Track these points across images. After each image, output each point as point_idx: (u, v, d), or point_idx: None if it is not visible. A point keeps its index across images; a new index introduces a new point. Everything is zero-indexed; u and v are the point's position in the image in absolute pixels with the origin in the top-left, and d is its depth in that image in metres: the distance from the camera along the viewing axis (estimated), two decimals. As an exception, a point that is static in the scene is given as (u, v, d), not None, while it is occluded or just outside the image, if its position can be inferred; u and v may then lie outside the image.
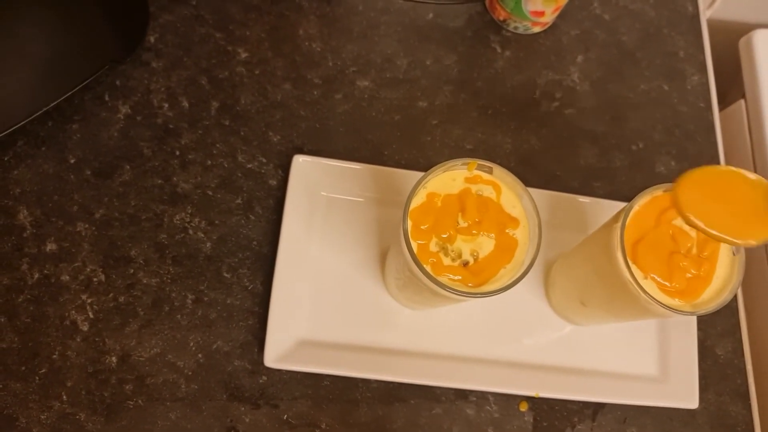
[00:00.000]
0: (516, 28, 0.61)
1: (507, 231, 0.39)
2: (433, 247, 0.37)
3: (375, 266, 0.52)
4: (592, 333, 0.53)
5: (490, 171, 0.39)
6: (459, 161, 0.39)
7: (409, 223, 0.37)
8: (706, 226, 0.35)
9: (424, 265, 0.36)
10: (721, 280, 0.41)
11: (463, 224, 0.38)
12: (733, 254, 0.41)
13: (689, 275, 0.40)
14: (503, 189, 0.39)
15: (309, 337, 0.49)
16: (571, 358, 0.52)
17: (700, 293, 0.40)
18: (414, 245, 0.37)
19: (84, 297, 0.48)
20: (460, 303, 0.48)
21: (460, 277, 0.37)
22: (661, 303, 0.39)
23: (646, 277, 0.40)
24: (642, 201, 0.41)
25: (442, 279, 0.37)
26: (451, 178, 0.39)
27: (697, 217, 0.35)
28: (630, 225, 0.41)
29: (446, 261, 0.38)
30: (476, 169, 0.39)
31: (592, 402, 0.51)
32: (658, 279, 0.40)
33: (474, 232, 0.38)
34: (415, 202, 0.38)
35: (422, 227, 0.37)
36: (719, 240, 0.35)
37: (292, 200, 0.51)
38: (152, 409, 0.47)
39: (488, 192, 0.39)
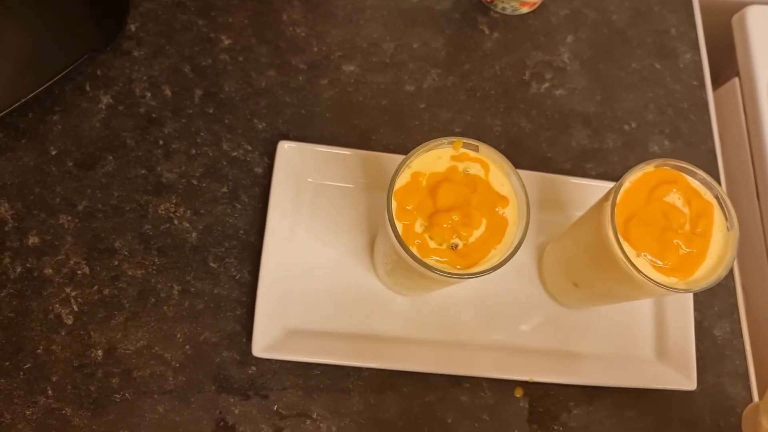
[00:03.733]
0: (504, 8, 0.60)
1: (497, 210, 0.38)
2: (417, 227, 0.36)
3: (364, 252, 0.51)
4: (587, 316, 0.52)
5: (476, 149, 0.38)
6: (444, 140, 0.38)
7: (394, 203, 0.36)
8: None
9: (410, 247, 0.35)
10: (715, 257, 0.40)
11: (455, 218, 0.37)
12: (728, 230, 0.40)
13: (682, 252, 0.39)
14: (491, 167, 0.38)
15: (298, 325, 0.48)
16: (566, 341, 0.51)
17: (694, 270, 0.40)
18: (399, 226, 0.36)
19: (68, 290, 0.47)
20: (451, 286, 0.47)
21: (447, 259, 0.37)
22: (654, 281, 0.38)
23: (638, 255, 0.39)
24: (632, 177, 0.40)
25: (429, 261, 0.36)
26: (436, 156, 0.38)
27: None
28: (621, 202, 0.40)
29: (432, 244, 0.37)
30: (462, 147, 0.38)
31: (589, 386, 0.50)
32: (651, 257, 0.39)
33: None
34: (400, 182, 0.37)
35: (407, 207, 0.36)
36: None
37: (279, 188, 0.50)
38: (140, 402, 0.46)
39: (476, 170, 0.38)
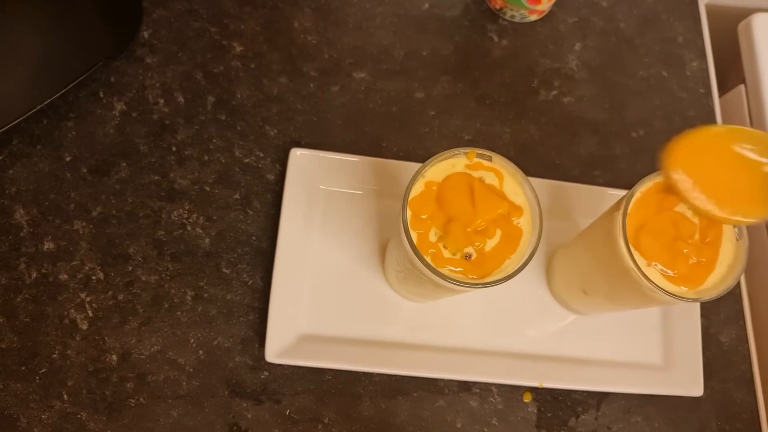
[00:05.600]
0: (513, 16, 0.60)
1: (512, 220, 0.38)
2: (432, 237, 0.37)
3: (375, 259, 0.51)
4: (595, 322, 0.53)
5: (489, 159, 0.39)
6: (459, 150, 0.38)
7: (409, 212, 0.37)
8: (695, 194, 0.33)
9: (425, 256, 0.36)
10: (724, 266, 0.40)
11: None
12: (737, 239, 0.41)
13: (692, 262, 0.40)
14: (505, 176, 0.39)
15: (310, 331, 0.49)
16: (575, 347, 0.52)
17: (703, 280, 0.40)
18: (414, 235, 0.37)
19: (83, 295, 0.48)
20: (462, 294, 0.48)
21: (461, 268, 0.37)
22: (664, 290, 0.38)
23: (648, 265, 0.40)
24: (643, 187, 0.41)
25: (443, 270, 0.36)
26: (450, 166, 0.38)
27: (686, 180, 0.33)
28: (632, 212, 0.40)
29: (446, 254, 0.37)
30: (476, 157, 0.38)
31: (596, 391, 0.51)
32: (661, 266, 0.39)
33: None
34: (414, 191, 0.37)
35: (422, 217, 0.37)
36: (707, 215, 0.34)
37: (291, 194, 0.50)
38: (154, 406, 0.46)
39: (491, 179, 0.38)
